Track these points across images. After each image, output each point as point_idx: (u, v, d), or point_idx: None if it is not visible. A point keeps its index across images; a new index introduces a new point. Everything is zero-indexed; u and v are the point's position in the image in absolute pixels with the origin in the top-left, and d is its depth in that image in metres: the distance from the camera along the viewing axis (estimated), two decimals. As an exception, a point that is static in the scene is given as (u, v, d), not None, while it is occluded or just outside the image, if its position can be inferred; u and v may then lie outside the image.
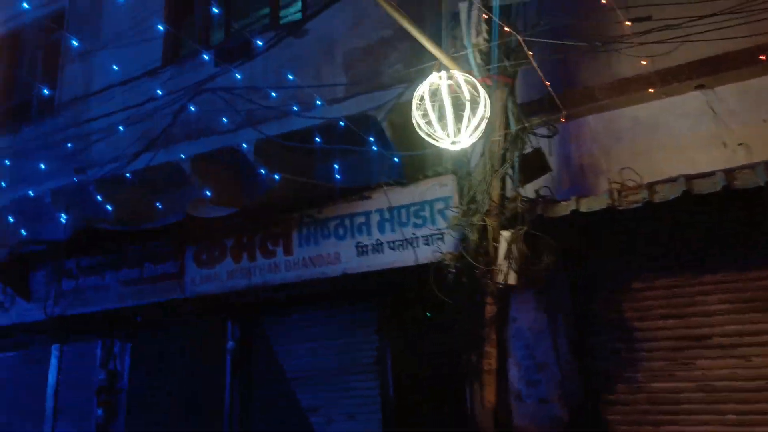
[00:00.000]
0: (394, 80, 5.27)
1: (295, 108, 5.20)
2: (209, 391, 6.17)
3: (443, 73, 3.48)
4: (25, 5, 7.03)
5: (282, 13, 6.64)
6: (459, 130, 3.44)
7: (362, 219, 5.29)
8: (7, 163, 6.34)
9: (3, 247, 6.44)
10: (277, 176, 5.13)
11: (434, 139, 3.64)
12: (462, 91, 3.45)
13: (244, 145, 5.44)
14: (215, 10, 6.47)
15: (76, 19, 7.82)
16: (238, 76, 5.55)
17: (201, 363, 6.28)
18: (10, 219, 6.24)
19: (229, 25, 6.76)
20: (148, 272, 6.34)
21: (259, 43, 5.52)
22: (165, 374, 6.43)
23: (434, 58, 3.96)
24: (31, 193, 6.36)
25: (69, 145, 6.63)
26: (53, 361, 7.25)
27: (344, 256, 5.36)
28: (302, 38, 5.95)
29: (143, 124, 6.27)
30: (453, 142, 3.52)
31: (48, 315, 6.97)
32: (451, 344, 4.79)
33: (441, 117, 3.56)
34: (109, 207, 5.92)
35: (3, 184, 6.35)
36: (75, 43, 7.20)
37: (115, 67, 6.63)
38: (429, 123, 3.62)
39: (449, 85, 3.48)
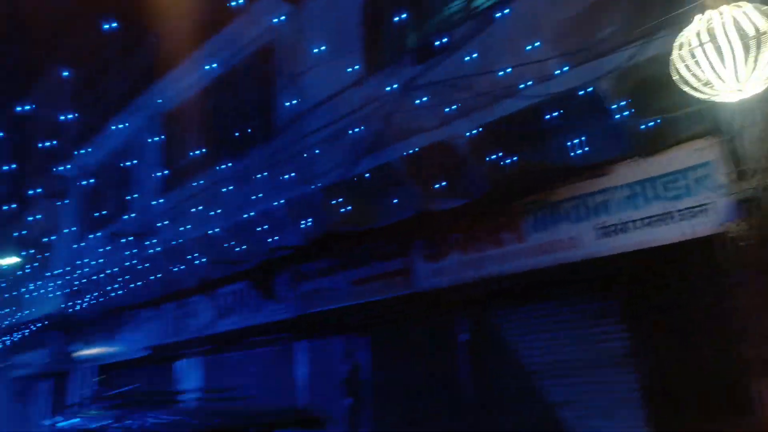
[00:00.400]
0: (615, 45, 4.75)
1: (528, 83, 4.92)
2: (446, 382, 6.22)
3: (722, 9, 2.95)
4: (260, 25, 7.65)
5: (476, 2, 6.47)
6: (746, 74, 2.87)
7: (601, 197, 4.85)
8: (259, 176, 7.07)
9: (254, 255, 7.23)
10: (502, 163, 4.94)
11: (706, 93, 3.11)
12: (745, 28, 2.88)
13: (470, 133, 5.34)
14: (408, 13, 6.53)
15: (284, 47, 8.54)
16: (474, 54, 5.43)
17: (435, 356, 6.37)
18: (257, 230, 6.98)
19: (423, 24, 6.78)
20: (377, 270, 6.62)
21: (455, 36, 5.40)
22: (402, 366, 6.64)
23: (663, 12, 3.43)
24: (269, 205, 7.05)
25: (293, 160, 7.23)
26: (299, 356, 7.97)
27: (582, 239, 4.98)
28: (502, 22, 5.71)
29: (356, 132, 6.57)
30: (738, 90, 2.96)
31: (291, 314, 7.69)
32: (722, 332, 4.15)
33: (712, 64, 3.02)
34: (337, 211, 6.29)
35: (253, 197, 7.12)
36: (287, 68, 7.85)
37: (324, 84, 7.10)
38: (694, 74, 3.11)
39: (723, 24, 2.94)
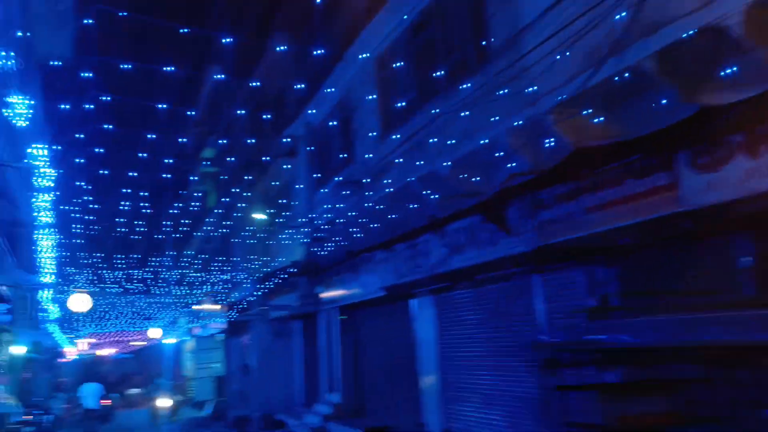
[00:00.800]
0: None
1: None
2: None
3: None
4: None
5: None
6: None
7: None
8: (497, 94, 6.68)
9: (486, 186, 6.95)
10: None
11: None
12: None
13: None
14: None
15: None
16: None
17: (704, 285, 5.46)
18: (489, 159, 6.66)
19: None
20: (630, 190, 5.86)
21: None
22: (660, 299, 5.85)
23: None
24: (501, 131, 6.65)
25: (521, 78, 6.65)
26: (537, 290, 7.60)
27: None
28: None
29: (590, 38, 5.78)
30: None
31: (528, 247, 7.31)
32: None
33: None
34: (583, 127, 5.65)
35: (485, 121, 6.79)
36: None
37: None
38: None
39: None
